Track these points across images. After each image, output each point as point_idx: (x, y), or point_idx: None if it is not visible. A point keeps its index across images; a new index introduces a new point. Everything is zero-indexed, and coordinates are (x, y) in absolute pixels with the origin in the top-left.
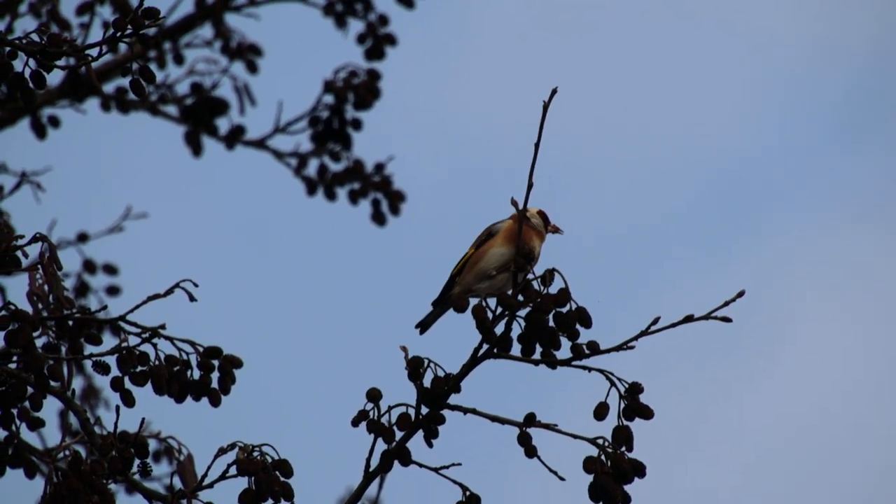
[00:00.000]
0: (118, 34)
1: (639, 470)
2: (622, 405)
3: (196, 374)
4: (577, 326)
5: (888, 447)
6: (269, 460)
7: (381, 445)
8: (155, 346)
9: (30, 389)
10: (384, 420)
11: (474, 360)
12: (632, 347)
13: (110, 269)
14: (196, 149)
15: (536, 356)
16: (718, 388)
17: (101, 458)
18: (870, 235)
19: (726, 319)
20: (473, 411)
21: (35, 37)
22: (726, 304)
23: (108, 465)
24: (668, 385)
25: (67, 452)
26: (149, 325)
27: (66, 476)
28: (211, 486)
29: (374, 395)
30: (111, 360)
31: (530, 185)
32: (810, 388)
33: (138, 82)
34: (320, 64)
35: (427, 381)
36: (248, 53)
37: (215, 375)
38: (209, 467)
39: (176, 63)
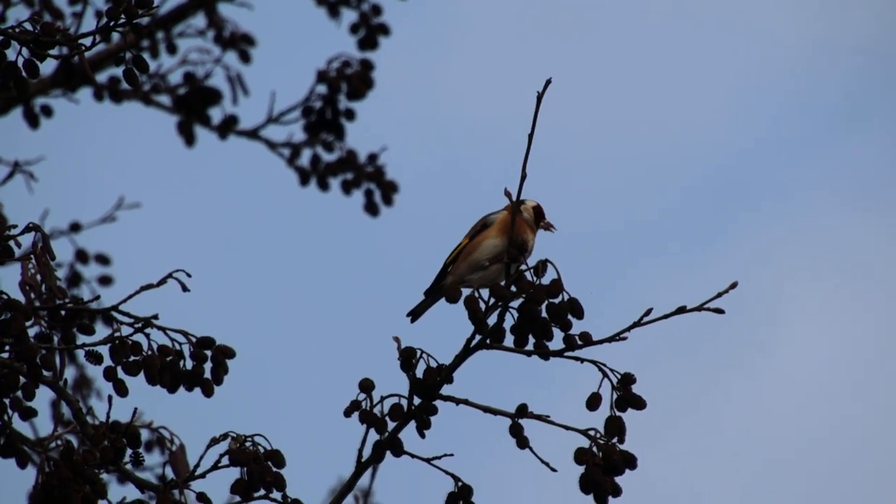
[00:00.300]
0: (111, 23)
1: (630, 462)
2: (614, 396)
3: (189, 364)
4: (570, 317)
5: (880, 434)
6: (262, 451)
7: (373, 436)
8: (147, 336)
9: (22, 379)
10: (376, 410)
11: (467, 351)
12: (624, 338)
13: (103, 259)
14: (189, 139)
15: (529, 347)
16: (710, 378)
17: (93, 447)
18: (861, 223)
19: (719, 311)
20: (466, 402)
21: (28, 26)
22: (719, 295)
23: (100, 455)
24: (660, 376)
25: (59, 442)
26: (141, 315)
27: (57, 466)
28: (203, 476)
29: (366, 386)
30: (104, 350)
31: (523, 177)
32: (802, 378)
33: (131, 72)
34: (313, 54)
35: (419, 372)
36: (240, 43)
37: (208, 366)
38: (201, 457)
39: (169, 53)
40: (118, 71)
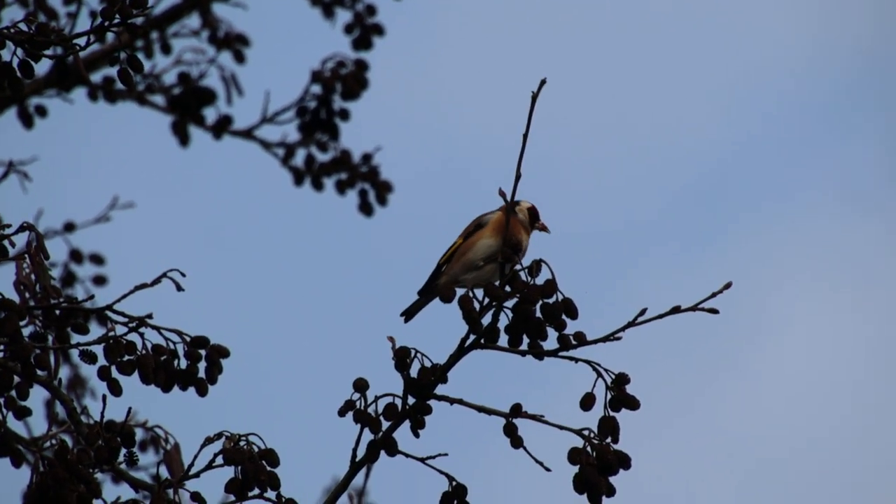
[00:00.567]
0: (106, 23)
1: (624, 461)
2: (609, 396)
3: (183, 363)
4: (564, 317)
5: (875, 435)
6: (256, 450)
7: (367, 435)
8: (142, 335)
9: (16, 378)
10: (371, 410)
11: (461, 351)
12: (619, 338)
13: (97, 259)
14: (183, 139)
15: (523, 347)
16: (704, 378)
17: (87, 447)
18: (858, 223)
19: (713, 311)
20: (460, 402)
21: (23, 26)
22: (713, 295)
23: (94, 455)
24: (654, 376)
25: (54, 442)
26: (136, 314)
27: (52, 465)
28: (197, 475)
29: (360, 385)
30: (98, 350)
31: (518, 177)
32: (797, 378)
33: (126, 72)
34: (308, 54)
35: (414, 372)
36: (235, 43)
37: (202, 365)
38: (196, 457)
39: (163, 53)
40: (113, 71)
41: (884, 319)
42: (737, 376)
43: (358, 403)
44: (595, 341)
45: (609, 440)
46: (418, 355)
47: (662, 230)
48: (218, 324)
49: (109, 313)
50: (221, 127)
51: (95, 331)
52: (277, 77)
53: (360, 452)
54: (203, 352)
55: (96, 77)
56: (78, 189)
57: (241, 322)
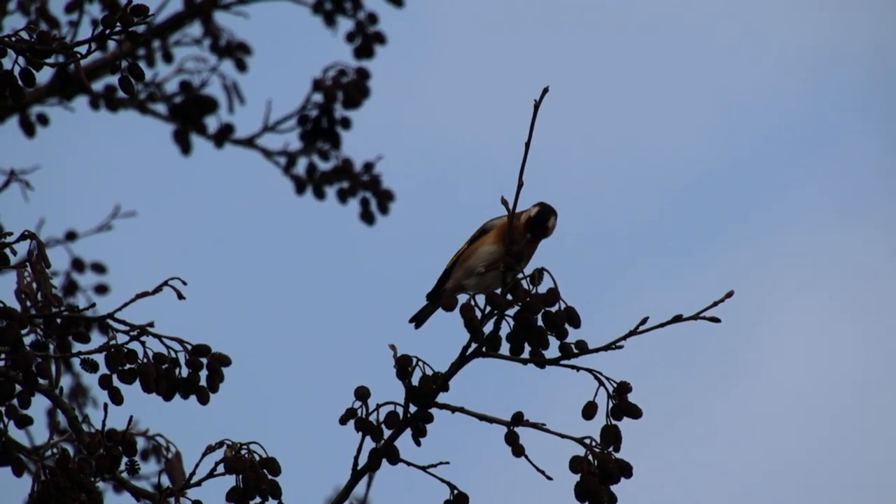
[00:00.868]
0: (107, 32)
1: (625, 470)
2: (610, 405)
3: (184, 372)
4: (566, 326)
5: (870, 444)
6: (257, 458)
7: (369, 444)
8: (143, 344)
9: (18, 387)
10: (372, 418)
11: (463, 359)
12: (620, 347)
13: (98, 268)
14: (185, 147)
15: (525, 355)
16: (701, 387)
17: (88, 456)
18: (855, 230)
19: (715, 319)
20: (461, 410)
21: (24, 34)
22: (715, 304)
23: (95, 464)
24: (654, 384)
25: (55, 450)
26: (137, 323)
27: (53, 474)
28: (199, 484)
29: (362, 394)
30: (99, 358)
31: (520, 185)
32: (795, 384)
33: (127, 80)
34: (309, 62)
35: (415, 380)
36: (237, 52)
37: (203, 373)
38: (197, 465)
39: (165, 61)
40: (114, 79)
41: (882, 325)
42: (736, 384)
43: (359, 412)
44: (597, 350)
45: (611, 449)
46: (420, 363)
47: (661, 234)
48: (219, 332)
49: (111, 322)
50: (223, 135)
51: (97, 339)
52: (279, 86)
53: (362, 461)
54: (204, 360)
55: (98, 85)
56: (79, 198)
57: (243, 330)
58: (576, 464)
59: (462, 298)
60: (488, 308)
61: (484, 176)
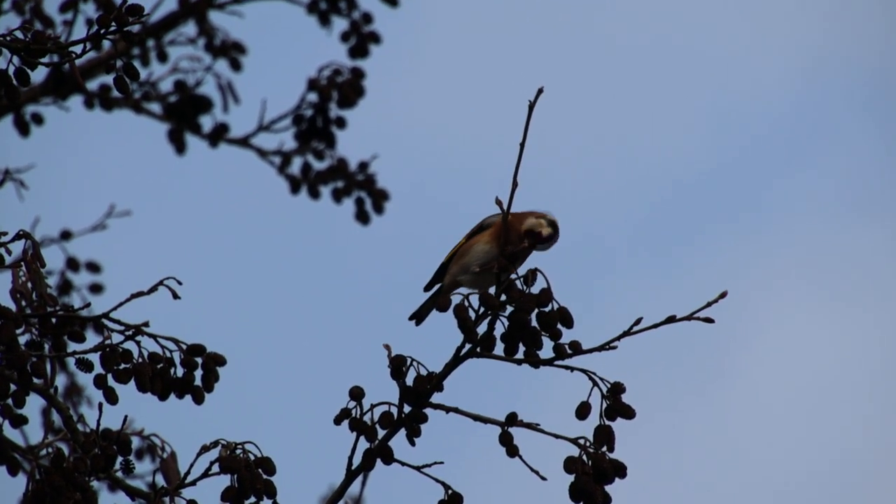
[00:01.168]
0: (102, 31)
1: (619, 470)
2: (604, 405)
3: (179, 371)
4: (559, 326)
5: (870, 440)
6: (252, 458)
7: (363, 444)
8: (138, 343)
9: (13, 387)
10: (367, 418)
11: (457, 360)
12: (614, 348)
13: (93, 267)
14: (179, 147)
15: (519, 356)
16: (695, 386)
17: (83, 455)
18: (851, 230)
19: (709, 320)
20: (456, 410)
21: (19, 34)
22: (709, 304)
23: (90, 463)
24: (645, 385)
25: (50, 450)
26: (132, 322)
27: (48, 473)
28: (194, 483)
29: (356, 394)
30: (94, 358)
31: (515, 185)
32: (785, 384)
33: (122, 79)
34: (304, 62)
35: (410, 380)
36: (231, 51)
37: (199, 373)
38: (192, 465)
39: (159, 60)
40: (109, 79)
41: (877, 323)
42: (731, 383)
43: (354, 412)
44: (591, 350)
45: (605, 449)
46: (414, 364)
47: (653, 234)
48: (214, 332)
49: (106, 321)
50: (218, 135)
51: (92, 339)
52: (274, 85)
53: (356, 461)
54: (199, 360)
55: (93, 85)
56: (74, 197)
57: (238, 330)
58: (570, 464)
59: (456, 299)
60: (482, 308)
61: (479, 176)
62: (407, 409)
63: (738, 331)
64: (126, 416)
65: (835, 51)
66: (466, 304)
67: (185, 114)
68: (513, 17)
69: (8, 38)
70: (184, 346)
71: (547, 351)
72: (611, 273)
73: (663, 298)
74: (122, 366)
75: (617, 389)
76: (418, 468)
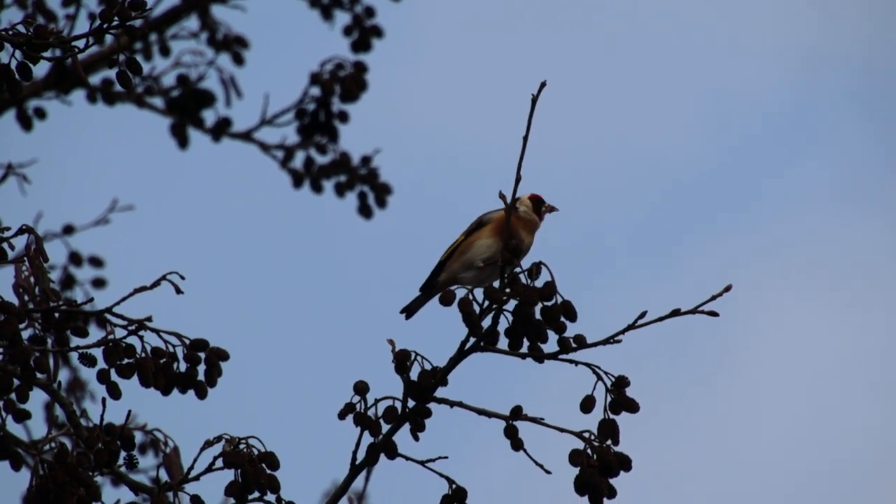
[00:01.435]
0: (105, 25)
1: (624, 463)
2: (609, 399)
3: (182, 366)
4: (563, 320)
5: (872, 436)
6: (256, 453)
7: (367, 438)
8: (141, 338)
9: (16, 381)
10: (371, 413)
11: (461, 354)
12: (619, 341)
13: (96, 262)
14: (182, 141)
15: (523, 350)
16: (700, 379)
17: (87, 450)
18: (853, 223)
19: (713, 314)
20: (460, 404)
21: (21, 28)
22: (713, 298)
23: (94, 458)
24: (649, 379)
25: (53, 445)
26: (135, 317)
27: (52, 468)
28: (197, 478)
29: (360, 388)
30: (97, 353)
31: (518, 179)
32: (788, 377)
33: (125, 74)
34: (307, 56)
35: (414, 375)
36: (234, 45)
37: (202, 368)
38: (195, 460)
39: (162, 55)
40: (111, 73)
41: (877, 317)
42: (734, 376)
43: (358, 406)
44: (595, 344)
45: (609, 442)
46: (418, 358)
47: (656, 229)
48: (217, 326)
49: (109, 316)
50: (220, 129)
51: (95, 334)
52: (276, 79)
53: (360, 455)
54: (202, 355)
55: (95, 79)
56: (77, 191)
57: (241, 325)
58: (575, 457)
59: (460, 293)
60: (486, 302)
61: (482, 169)
62: (411, 403)
63: (741, 324)
64: (129, 411)
65: (830, 48)
66: (471, 297)
67: (187, 108)
68: (514, 14)
69: (10, 33)
70: (187, 341)
71: (551, 345)
72: (611, 270)
73: (663, 295)
74: (125, 361)
75: (621, 383)
76: (422, 463)
